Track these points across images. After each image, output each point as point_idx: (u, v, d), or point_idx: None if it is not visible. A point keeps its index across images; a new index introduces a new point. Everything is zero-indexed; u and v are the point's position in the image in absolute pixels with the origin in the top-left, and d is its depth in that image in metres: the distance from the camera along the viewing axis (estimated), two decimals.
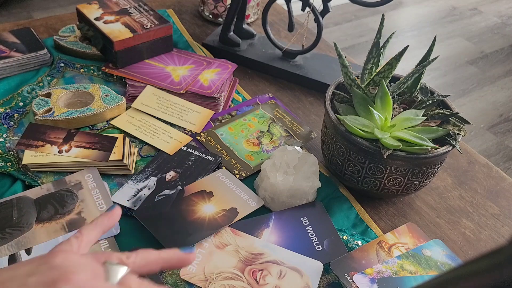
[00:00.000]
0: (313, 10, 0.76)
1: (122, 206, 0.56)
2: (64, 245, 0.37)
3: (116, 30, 0.74)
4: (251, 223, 0.55)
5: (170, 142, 0.65)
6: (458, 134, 0.56)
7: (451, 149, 0.54)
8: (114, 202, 0.56)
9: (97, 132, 0.66)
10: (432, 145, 0.53)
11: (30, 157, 0.59)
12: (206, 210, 0.56)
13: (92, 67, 0.77)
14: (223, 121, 0.71)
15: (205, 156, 0.63)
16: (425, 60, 0.58)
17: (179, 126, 0.69)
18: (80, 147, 0.61)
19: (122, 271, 0.37)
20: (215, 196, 0.58)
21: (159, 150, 0.64)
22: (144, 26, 0.75)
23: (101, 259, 0.37)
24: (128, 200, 0.56)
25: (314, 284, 0.50)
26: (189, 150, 0.64)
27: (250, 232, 0.54)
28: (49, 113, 0.65)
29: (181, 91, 0.72)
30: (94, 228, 0.41)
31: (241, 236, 0.53)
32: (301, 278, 0.50)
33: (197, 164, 0.62)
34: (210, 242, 0.52)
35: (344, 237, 0.55)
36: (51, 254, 0.35)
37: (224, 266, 0.50)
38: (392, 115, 0.57)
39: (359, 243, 0.54)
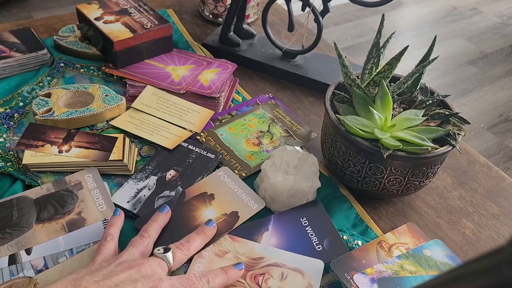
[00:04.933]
0: (313, 10, 0.76)
1: (122, 208, 0.56)
2: (139, 246, 0.48)
3: (116, 30, 0.74)
4: (251, 227, 0.55)
5: (169, 137, 0.65)
6: (458, 134, 0.56)
7: (451, 149, 0.54)
8: (114, 203, 0.56)
9: (97, 132, 0.66)
10: (432, 145, 0.53)
11: (30, 157, 0.59)
12: (207, 215, 0.55)
13: (92, 67, 0.77)
14: (223, 121, 0.71)
15: (206, 153, 0.63)
16: (425, 60, 0.58)
17: (179, 126, 0.68)
18: (80, 147, 0.61)
19: (170, 253, 0.47)
20: (216, 199, 0.57)
21: (159, 148, 0.64)
22: (144, 26, 0.75)
23: (148, 251, 0.49)
24: (128, 202, 0.56)
25: (316, 282, 0.50)
26: (189, 147, 0.64)
27: (249, 236, 0.54)
28: (49, 113, 0.65)
29: (181, 91, 0.72)
30: (156, 225, 0.51)
31: (240, 242, 0.53)
32: (303, 278, 0.50)
33: (197, 162, 0.62)
34: (210, 251, 0.52)
35: (344, 237, 0.55)
36: (139, 264, 0.45)
37: None
38: (392, 115, 0.57)
39: (359, 243, 0.54)
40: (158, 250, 0.47)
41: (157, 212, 0.53)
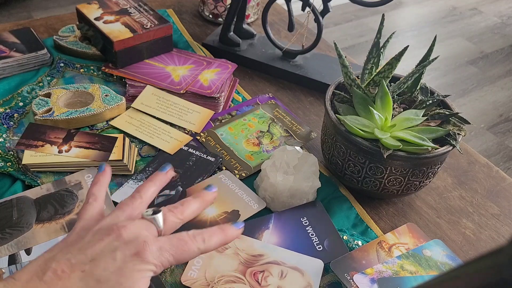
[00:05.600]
0: (313, 10, 0.76)
1: None
2: (127, 208, 0.41)
3: (116, 30, 0.74)
4: (251, 225, 0.55)
5: (170, 141, 0.65)
6: (458, 134, 0.56)
7: (451, 149, 0.54)
8: (114, 202, 0.56)
9: (97, 132, 0.66)
10: (432, 145, 0.53)
11: (30, 157, 0.59)
12: (208, 212, 0.56)
13: (92, 67, 0.77)
14: (223, 121, 0.71)
15: (206, 156, 0.63)
16: (425, 60, 0.58)
17: (179, 126, 0.68)
18: (80, 147, 0.61)
19: (160, 215, 0.40)
20: (217, 198, 0.57)
21: (160, 150, 0.64)
22: (144, 26, 0.75)
23: (138, 215, 0.41)
24: None
25: (315, 282, 0.50)
26: (190, 150, 0.64)
27: (250, 234, 0.54)
28: (49, 113, 0.65)
29: (181, 91, 0.72)
30: (153, 186, 0.44)
31: (240, 238, 0.53)
32: (302, 277, 0.50)
33: (197, 165, 0.62)
34: None
35: (344, 237, 0.55)
36: (119, 228, 0.37)
37: (225, 270, 0.50)
38: (392, 115, 0.57)
39: (359, 243, 0.54)
40: (147, 212, 0.40)
41: (157, 171, 0.46)
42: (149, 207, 0.42)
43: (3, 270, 0.43)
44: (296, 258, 0.52)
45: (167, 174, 0.46)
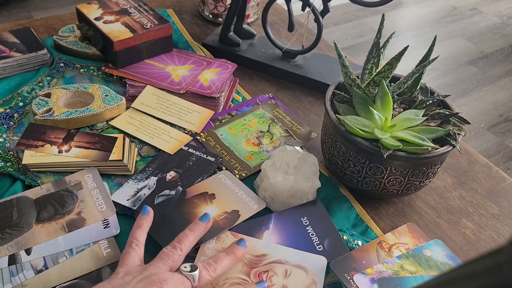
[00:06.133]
0: (313, 10, 0.76)
1: (122, 206, 0.56)
2: (168, 259, 0.45)
3: (116, 30, 0.74)
4: (251, 225, 0.55)
5: (170, 141, 0.65)
6: (458, 134, 0.56)
7: (451, 149, 0.54)
8: (114, 201, 0.56)
9: (97, 132, 0.66)
10: (432, 145, 0.53)
11: (30, 157, 0.59)
12: (208, 212, 0.56)
13: (92, 67, 0.77)
14: (223, 121, 0.71)
15: (206, 156, 0.63)
16: (425, 60, 0.58)
17: (179, 126, 0.68)
18: (80, 147, 0.61)
19: (197, 273, 0.45)
20: (217, 199, 0.57)
21: (160, 150, 0.64)
22: (144, 26, 0.75)
23: (176, 266, 0.46)
24: (127, 200, 0.56)
25: (320, 279, 0.50)
26: (190, 150, 0.64)
27: (250, 234, 0.54)
28: (49, 113, 0.65)
29: (181, 91, 0.72)
30: (192, 236, 0.49)
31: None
32: (306, 274, 0.50)
33: (197, 165, 0.62)
34: (213, 248, 0.52)
35: (344, 237, 0.55)
36: (161, 282, 0.42)
37: (229, 272, 0.50)
38: (392, 115, 0.57)
39: (359, 243, 0.54)
40: (185, 267, 0.45)
41: (197, 220, 0.50)
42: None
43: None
44: (299, 256, 0.52)
45: (207, 224, 0.51)
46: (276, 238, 0.54)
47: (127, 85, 0.73)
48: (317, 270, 0.50)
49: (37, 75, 0.75)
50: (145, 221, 0.49)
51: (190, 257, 0.51)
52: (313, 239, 0.54)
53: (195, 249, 0.51)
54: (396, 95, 0.59)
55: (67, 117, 0.65)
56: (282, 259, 0.51)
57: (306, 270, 0.50)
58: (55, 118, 0.64)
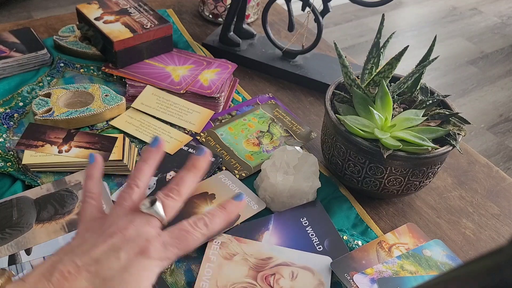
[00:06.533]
0: (313, 10, 0.76)
1: None
2: (125, 203, 0.40)
3: (116, 30, 0.74)
4: (251, 226, 0.55)
5: (170, 141, 0.65)
6: (458, 134, 0.56)
7: (451, 149, 0.54)
8: (113, 202, 0.56)
9: (97, 132, 0.66)
10: (432, 145, 0.53)
11: (30, 157, 0.59)
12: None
13: (92, 67, 0.77)
14: (223, 121, 0.71)
15: None
16: (425, 60, 0.58)
17: (179, 126, 0.68)
18: (80, 147, 0.61)
19: (158, 205, 0.39)
20: (217, 199, 0.57)
21: None
22: (144, 26, 0.75)
23: (136, 208, 0.40)
24: None
25: (326, 279, 0.49)
26: (190, 150, 0.64)
27: (250, 235, 0.54)
28: (49, 113, 0.65)
29: (181, 91, 0.72)
30: (146, 167, 0.42)
31: (247, 243, 0.53)
32: (313, 276, 0.50)
33: None
34: (217, 254, 0.51)
35: (344, 237, 0.55)
36: (122, 230, 0.37)
37: (236, 277, 0.49)
38: (392, 115, 0.57)
39: (359, 243, 0.54)
40: (144, 204, 0.39)
41: (146, 146, 0.44)
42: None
43: (13, 273, 0.43)
44: (304, 257, 0.51)
45: (158, 148, 0.43)
46: (276, 239, 0.54)
47: (127, 85, 0.73)
48: (323, 270, 0.50)
49: (37, 75, 0.75)
50: (95, 169, 0.43)
51: (191, 258, 0.51)
52: (313, 240, 0.54)
53: (197, 250, 0.51)
54: (396, 95, 0.59)
55: (67, 117, 0.65)
56: (288, 261, 0.51)
57: (312, 271, 0.50)
58: (55, 118, 0.64)
